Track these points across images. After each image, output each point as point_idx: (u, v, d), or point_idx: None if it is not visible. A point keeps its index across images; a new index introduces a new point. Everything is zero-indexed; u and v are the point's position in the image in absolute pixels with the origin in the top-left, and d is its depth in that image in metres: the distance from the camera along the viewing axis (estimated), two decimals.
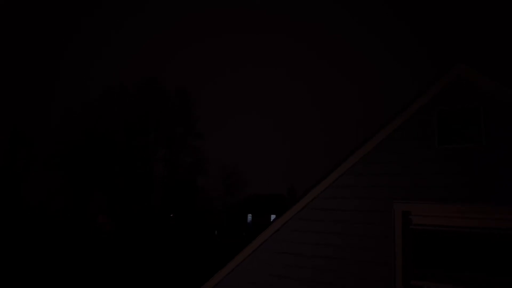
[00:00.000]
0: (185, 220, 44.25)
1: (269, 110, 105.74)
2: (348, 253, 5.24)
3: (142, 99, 47.40)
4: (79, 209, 39.81)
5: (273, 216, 50.19)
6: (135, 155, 44.85)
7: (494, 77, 4.84)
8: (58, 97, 67.41)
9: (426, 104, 5.17)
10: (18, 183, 38.19)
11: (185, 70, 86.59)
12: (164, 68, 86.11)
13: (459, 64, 5.06)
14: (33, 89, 61.91)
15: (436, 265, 4.82)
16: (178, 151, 48.71)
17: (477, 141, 4.78)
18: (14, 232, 28.21)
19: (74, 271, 20.87)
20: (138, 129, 45.57)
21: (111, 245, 26.74)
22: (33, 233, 29.10)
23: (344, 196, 5.49)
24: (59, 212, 38.38)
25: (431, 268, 4.84)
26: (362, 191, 5.36)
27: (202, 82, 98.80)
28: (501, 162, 4.61)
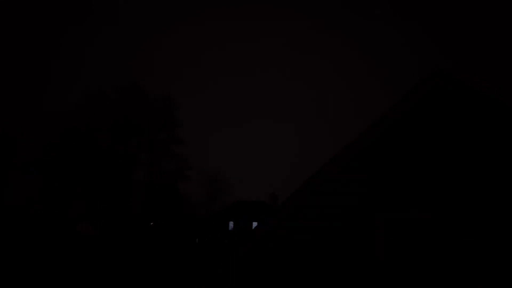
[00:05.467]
0: (166, 227, 43.86)
1: (256, 116, 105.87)
2: (329, 257, 5.36)
3: (125, 104, 47.00)
4: (60, 214, 39.13)
5: (254, 223, 50.13)
6: (117, 160, 44.36)
7: None
8: (41, 101, 66.27)
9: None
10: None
11: (171, 77, 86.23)
12: (151, 73, 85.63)
13: None
14: (15, 93, 60.66)
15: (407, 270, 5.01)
16: (160, 156, 48.37)
17: None
18: None
19: (51, 278, 20.46)
20: (121, 134, 45.13)
21: (91, 252, 26.31)
22: (12, 237, 28.40)
23: (326, 204, 5.62)
24: (40, 217, 37.64)
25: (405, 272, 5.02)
26: (344, 199, 5.50)
27: (189, 88, 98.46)
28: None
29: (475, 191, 5.16)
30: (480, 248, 4.95)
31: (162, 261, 28.68)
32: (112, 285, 20.53)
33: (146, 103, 48.16)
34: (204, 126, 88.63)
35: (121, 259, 27.96)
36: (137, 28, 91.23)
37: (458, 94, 5.55)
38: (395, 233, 5.20)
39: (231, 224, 55.07)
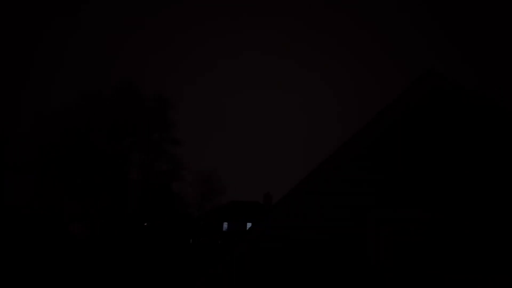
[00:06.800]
0: (160, 227, 43.63)
1: (249, 116, 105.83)
2: (326, 258, 5.25)
3: (118, 103, 46.62)
4: (55, 214, 38.75)
5: (249, 224, 49.98)
6: (110, 160, 44.06)
7: None
8: (32, 101, 65.69)
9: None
10: None
11: (164, 75, 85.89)
12: (143, 72, 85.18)
13: None
14: (3, 92, 60.00)
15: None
16: (154, 156, 48.07)
17: None
18: None
19: (45, 278, 20.23)
20: (115, 134, 44.80)
21: (86, 252, 26.09)
22: (3, 237, 28.04)
23: (323, 204, 5.50)
24: (34, 216, 37.24)
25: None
26: (341, 199, 5.40)
27: (182, 86, 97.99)
28: None
29: (475, 190, 5.09)
30: (480, 248, 4.88)
31: (156, 262, 28.46)
32: (107, 285, 20.32)
33: (141, 102, 47.82)
34: (200, 125, 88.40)
35: (115, 259, 27.72)
36: (114, 29, 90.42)
37: (456, 94, 5.51)
38: (395, 233, 5.10)
39: (225, 224, 54.92)
